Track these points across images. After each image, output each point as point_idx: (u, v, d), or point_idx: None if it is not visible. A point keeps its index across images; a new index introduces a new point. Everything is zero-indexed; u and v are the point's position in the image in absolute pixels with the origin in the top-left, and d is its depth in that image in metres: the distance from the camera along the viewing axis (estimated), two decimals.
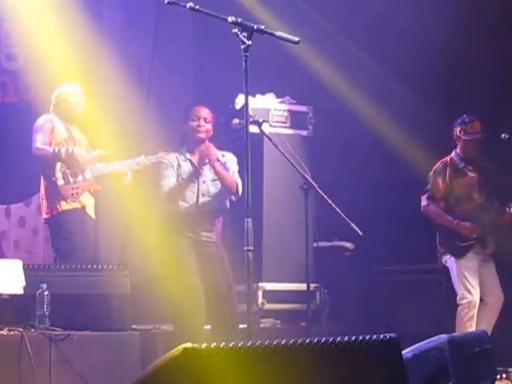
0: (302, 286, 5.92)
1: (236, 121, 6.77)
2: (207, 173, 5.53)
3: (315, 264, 6.25)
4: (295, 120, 7.16)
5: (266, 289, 6.79)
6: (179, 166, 5.51)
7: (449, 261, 6.34)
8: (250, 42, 4.12)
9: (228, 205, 5.62)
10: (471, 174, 6.41)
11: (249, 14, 6.88)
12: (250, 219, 4.14)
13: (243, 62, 4.15)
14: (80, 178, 6.23)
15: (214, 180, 5.52)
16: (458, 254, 6.26)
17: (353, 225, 5.45)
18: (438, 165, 6.45)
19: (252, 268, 4.14)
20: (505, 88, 7.07)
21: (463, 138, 6.34)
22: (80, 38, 7.28)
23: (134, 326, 5.82)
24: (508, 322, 6.24)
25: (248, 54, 4.14)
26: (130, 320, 5.71)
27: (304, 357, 2.58)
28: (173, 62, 8.12)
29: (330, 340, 2.65)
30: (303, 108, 7.24)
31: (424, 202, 6.40)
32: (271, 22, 6.70)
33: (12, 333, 5.08)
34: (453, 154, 6.46)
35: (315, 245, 6.02)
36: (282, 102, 7.22)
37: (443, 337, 3.81)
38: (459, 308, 6.20)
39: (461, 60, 7.28)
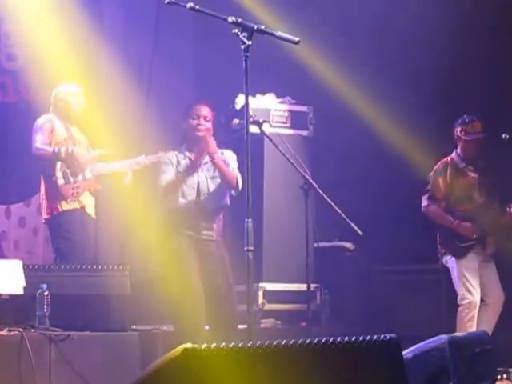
0: (303, 287, 5.92)
1: (236, 121, 6.78)
2: (206, 170, 5.53)
3: (315, 264, 6.25)
4: (295, 120, 7.16)
5: (267, 289, 6.79)
6: (178, 163, 5.51)
7: (449, 261, 6.34)
8: (250, 42, 4.12)
9: (228, 202, 5.62)
10: (472, 174, 6.41)
11: (249, 14, 6.88)
12: (250, 219, 4.14)
13: (243, 62, 4.15)
14: (80, 177, 6.23)
15: (214, 177, 5.53)
16: (459, 255, 6.26)
17: (353, 225, 5.45)
18: (439, 165, 6.45)
19: (252, 268, 4.14)
20: (505, 88, 7.06)
21: (464, 138, 6.34)
22: (80, 37, 7.28)
23: (134, 327, 5.82)
24: (508, 322, 6.24)
25: (248, 54, 4.14)
26: (130, 320, 5.71)
27: (304, 357, 2.58)
28: (173, 62, 8.11)
29: (331, 340, 2.65)
30: (303, 108, 7.24)
31: (425, 202, 6.40)
32: (271, 22, 6.70)
33: (12, 333, 5.08)
34: (453, 154, 6.46)
35: (315, 245, 6.02)
36: (282, 102, 7.22)
37: (444, 337, 3.81)
38: (460, 308, 6.20)
39: (461, 60, 7.28)
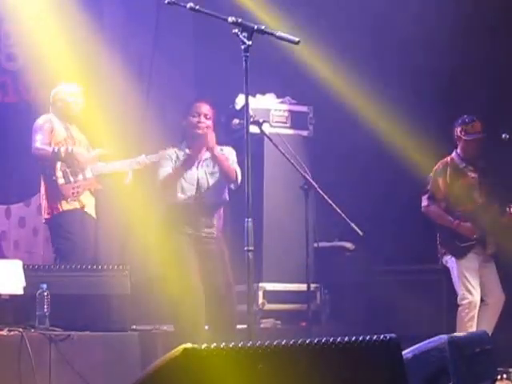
0: (303, 287, 5.92)
1: (236, 121, 6.77)
2: (206, 166, 5.54)
3: (315, 264, 6.25)
4: (296, 120, 7.16)
5: (267, 289, 6.78)
6: (178, 158, 5.52)
7: (449, 261, 6.34)
8: (250, 42, 4.12)
9: (227, 197, 5.62)
10: (472, 175, 6.41)
11: (249, 14, 6.88)
12: (250, 219, 4.14)
13: (243, 62, 4.15)
14: (80, 177, 6.23)
15: (213, 173, 5.53)
16: (459, 255, 6.26)
17: (353, 225, 5.45)
18: (439, 165, 6.45)
19: (252, 268, 4.14)
20: (505, 88, 7.06)
21: (464, 138, 6.34)
22: (80, 36, 7.29)
23: (134, 327, 5.82)
24: (508, 322, 6.24)
25: (248, 54, 4.14)
26: (130, 320, 5.71)
27: (304, 357, 2.58)
28: (173, 62, 8.11)
29: (331, 340, 2.65)
30: (304, 108, 7.24)
31: (424, 202, 6.40)
32: (271, 22, 6.70)
33: (12, 333, 5.08)
34: (453, 154, 6.46)
35: (315, 245, 6.02)
36: (282, 102, 7.22)
37: (443, 337, 3.81)
38: (460, 308, 6.20)
39: (461, 60, 7.27)
